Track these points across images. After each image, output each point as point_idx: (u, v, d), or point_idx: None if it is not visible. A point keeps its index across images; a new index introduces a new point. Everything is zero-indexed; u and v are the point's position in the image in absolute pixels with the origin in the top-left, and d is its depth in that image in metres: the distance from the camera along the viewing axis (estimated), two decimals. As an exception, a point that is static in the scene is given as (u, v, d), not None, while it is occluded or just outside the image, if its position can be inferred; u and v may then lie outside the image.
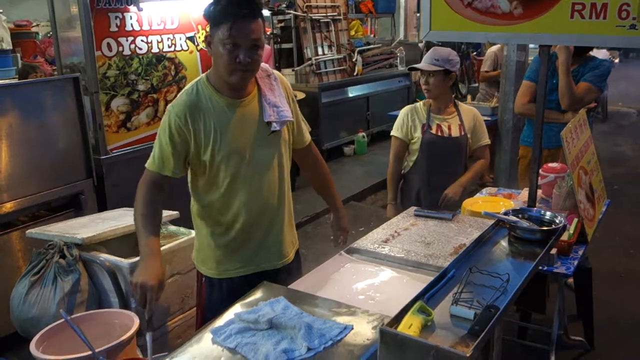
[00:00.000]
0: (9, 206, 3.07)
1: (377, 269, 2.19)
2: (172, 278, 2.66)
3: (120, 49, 3.60)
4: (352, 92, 7.80)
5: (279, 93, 2.16)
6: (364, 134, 7.85)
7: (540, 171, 3.27)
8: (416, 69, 3.30)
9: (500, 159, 5.60)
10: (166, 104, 3.94)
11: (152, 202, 2.05)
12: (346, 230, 2.52)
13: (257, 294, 1.81)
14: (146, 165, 2.11)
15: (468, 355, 1.06)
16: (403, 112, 3.41)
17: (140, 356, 2.25)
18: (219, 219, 2.14)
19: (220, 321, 1.62)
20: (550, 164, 3.31)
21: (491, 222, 2.14)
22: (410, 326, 1.19)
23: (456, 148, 3.32)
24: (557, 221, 1.73)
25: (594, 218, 2.91)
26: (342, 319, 1.62)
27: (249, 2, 1.94)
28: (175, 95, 3.92)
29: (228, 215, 2.12)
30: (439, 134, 3.29)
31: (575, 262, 2.53)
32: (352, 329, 1.55)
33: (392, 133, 3.40)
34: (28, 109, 3.12)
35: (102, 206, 3.57)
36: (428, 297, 1.36)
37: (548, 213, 1.78)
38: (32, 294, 2.45)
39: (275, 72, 2.27)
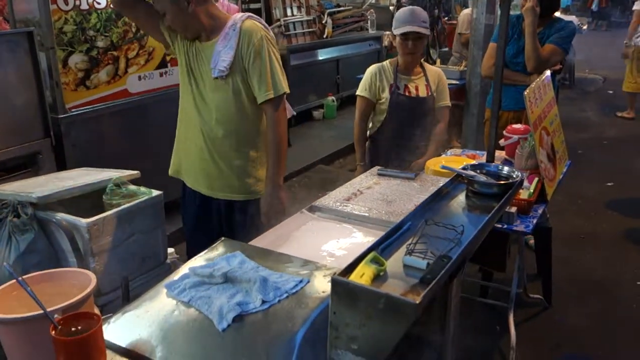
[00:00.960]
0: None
1: (338, 227, 2.18)
2: (132, 237, 2.61)
3: (77, 2, 3.45)
4: (322, 55, 7.69)
5: (229, 44, 2.33)
6: (333, 97, 7.80)
7: (504, 132, 3.30)
8: (420, 35, 3.18)
9: (468, 123, 5.64)
10: (127, 63, 3.82)
11: None
12: (265, 214, 2.49)
13: (216, 250, 1.78)
14: None
15: (417, 302, 1.06)
16: (370, 72, 3.37)
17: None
18: None
19: (174, 275, 1.59)
20: (514, 125, 3.33)
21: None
22: (362, 275, 1.18)
23: (424, 108, 3.31)
24: (514, 176, 1.74)
25: (555, 178, 2.94)
26: (300, 272, 1.61)
27: None
28: (137, 54, 3.87)
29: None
30: (407, 94, 3.27)
31: (535, 221, 2.56)
32: (308, 282, 1.54)
33: (358, 93, 3.37)
34: (-21, 64, 3.00)
35: (62, 167, 3.47)
36: (382, 248, 1.35)
37: (506, 168, 1.79)
38: (-15, 253, 2.38)
39: (249, 24, 2.36)
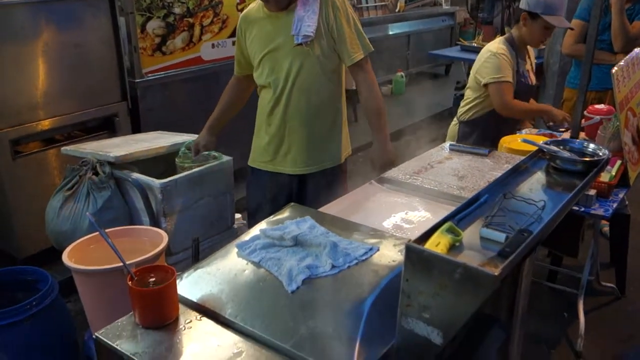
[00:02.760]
0: (45, 124, 3.10)
1: (407, 200, 2.15)
2: (202, 200, 2.67)
3: (157, -31, 3.52)
4: (393, 29, 7.55)
5: (311, 9, 2.27)
6: (402, 73, 7.65)
7: (585, 113, 3.15)
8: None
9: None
10: (202, 30, 3.88)
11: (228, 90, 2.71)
12: (379, 165, 2.44)
13: (284, 214, 1.79)
14: None
15: (496, 274, 1.02)
16: (504, 54, 3.02)
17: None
18: None
19: (245, 236, 1.61)
20: (596, 106, 3.17)
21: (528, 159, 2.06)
22: (437, 244, 1.15)
23: (531, 95, 3.20)
24: (601, 153, 1.64)
25: (638, 162, 2.79)
26: (369, 241, 1.60)
27: None
28: (211, 21, 3.92)
29: None
30: (525, 81, 3.15)
31: (614, 205, 2.44)
32: (378, 250, 1.52)
33: (503, 78, 2.98)
34: (63, 28, 3.09)
35: (137, 129, 3.58)
36: (458, 219, 1.31)
37: (591, 145, 1.69)
38: (66, 208, 2.49)
39: None
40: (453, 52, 6.35)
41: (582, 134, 3.08)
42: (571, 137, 2.32)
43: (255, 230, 1.63)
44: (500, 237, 1.22)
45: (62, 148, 2.80)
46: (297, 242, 1.51)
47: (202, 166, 2.67)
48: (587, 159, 1.62)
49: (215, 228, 2.78)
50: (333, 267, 1.43)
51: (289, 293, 1.37)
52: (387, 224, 1.89)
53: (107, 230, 2.32)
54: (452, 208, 2.03)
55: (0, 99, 2.90)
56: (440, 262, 1.09)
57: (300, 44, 2.30)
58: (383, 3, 7.55)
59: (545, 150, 1.66)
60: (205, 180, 2.67)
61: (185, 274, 1.49)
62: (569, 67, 4.24)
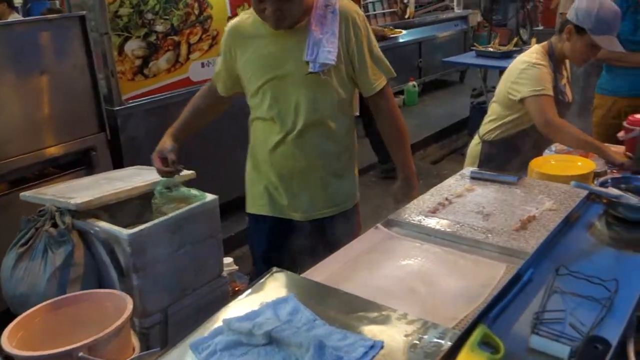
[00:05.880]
0: (12, 162, 2.76)
1: (421, 248, 1.74)
2: (182, 249, 2.29)
3: (134, -17, 3.18)
4: (403, 37, 7.17)
5: (330, 30, 1.89)
6: (414, 83, 7.26)
7: (624, 124, 2.71)
8: None
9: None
10: (189, 48, 3.52)
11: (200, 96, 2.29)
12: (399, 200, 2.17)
13: (262, 288, 1.39)
14: None
15: None
16: (544, 64, 2.63)
17: (137, 343, 1.91)
18: None
19: (203, 330, 1.21)
20: (637, 115, 2.73)
21: (568, 189, 1.64)
22: (467, 374, 0.75)
23: (569, 113, 2.77)
24: (679, 196, 1.23)
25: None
26: (370, 329, 1.19)
27: None
28: (200, 38, 3.56)
29: None
30: (564, 99, 2.74)
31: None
32: (382, 347, 1.11)
33: (544, 92, 2.57)
34: (28, 53, 2.76)
35: (118, 163, 3.23)
36: (493, 316, 0.91)
37: (665, 184, 1.28)
38: (19, 267, 2.12)
39: (345, 4, 1.95)
40: (468, 58, 5.97)
41: (620, 148, 2.64)
42: (634, 172, 1.77)
43: (217, 321, 1.22)
44: (563, 351, 0.81)
45: (21, 194, 2.43)
46: (272, 340, 1.11)
47: (181, 209, 2.28)
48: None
49: (201, 279, 2.39)
50: (319, 378, 1.03)
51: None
52: (397, 288, 1.48)
53: (63, 297, 1.95)
54: (478, 257, 1.64)
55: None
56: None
57: (317, 73, 1.92)
58: (392, 10, 7.18)
59: (602, 194, 1.24)
60: (186, 225, 2.28)
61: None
62: (596, 71, 3.82)
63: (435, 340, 1.07)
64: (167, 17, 3.36)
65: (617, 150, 2.58)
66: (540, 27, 8.09)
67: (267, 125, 2.09)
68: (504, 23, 9.26)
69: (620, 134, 2.73)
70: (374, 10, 6.96)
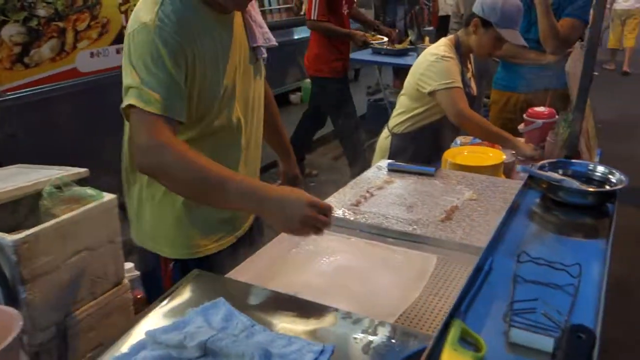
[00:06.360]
0: None
1: (348, 242, 1.65)
2: (77, 256, 2.04)
3: (10, -40, 2.83)
4: (299, 33, 7.10)
5: (257, 10, 1.66)
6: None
7: (524, 117, 2.81)
8: None
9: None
10: (76, 36, 3.20)
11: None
12: (299, 178, 2.09)
13: (185, 292, 1.23)
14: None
15: None
16: (453, 61, 2.63)
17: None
18: None
19: (124, 345, 1.03)
20: (535, 108, 2.83)
21: (484, 178, 1.63)
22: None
23: (473, 107, 2.80)
24: (614, 179, 1.22)
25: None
26: (315, 331, 1.07)
27: None
28: (88, 25, 3.26)
29: None
30: (471, 92, 2.74)
31: None
32: (333, 351, 1.00)
33: (454, 84, 2.57)
34: None
35: (-5, 162, 2.86)
36: (464, 309, 0.83)
37: (599, 168, 1.27)
38: None
39: None
40: (364, 55, 6.01)
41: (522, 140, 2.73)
42: (566, 156, 1.77)
43: (139, 333, 1.05)
44: (547, 343, 0.74)
45: None
46: (207, 352, 0.96)
47: (75, 210, 2.03)
48: (604, 187, 1.19)
49: (100, 287, 2.15)
50: (266, 393, 0.90)
51: None
52: (328, 285, 1.38)
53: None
54: (408, 250, 1.58)
55: None
56: None
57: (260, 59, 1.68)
58: (288, 5, 7.09)
59: (544, 179, 1.21)
60: (81, 229, 2.03)
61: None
62: (491, 68, 3.97)
63: (387, 340, 0.97)
64: (50, 1, 3.03)
65: (527, 145, 2.67)
66: (431, 28, 8.37)
67: (221, 136, 1.64)
68: (394, 24, 9.52)
69: (521, 127, 2.82)
70: (270, 6, 6.83)
